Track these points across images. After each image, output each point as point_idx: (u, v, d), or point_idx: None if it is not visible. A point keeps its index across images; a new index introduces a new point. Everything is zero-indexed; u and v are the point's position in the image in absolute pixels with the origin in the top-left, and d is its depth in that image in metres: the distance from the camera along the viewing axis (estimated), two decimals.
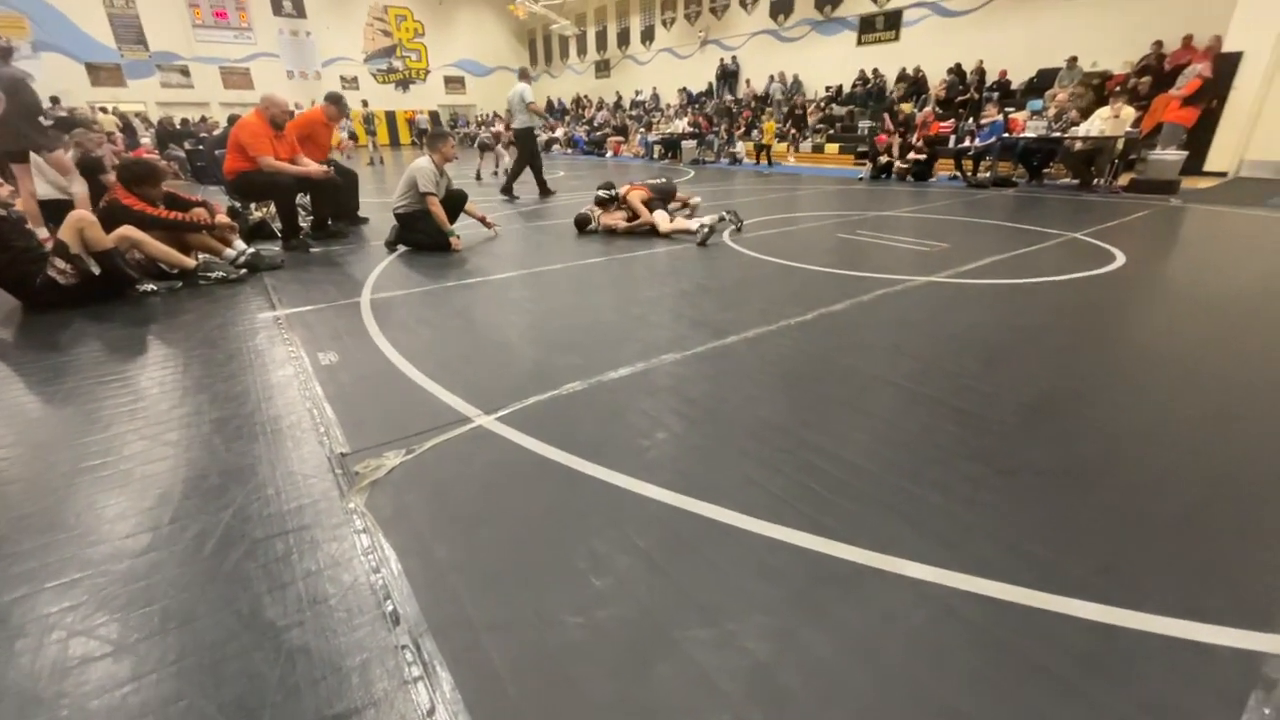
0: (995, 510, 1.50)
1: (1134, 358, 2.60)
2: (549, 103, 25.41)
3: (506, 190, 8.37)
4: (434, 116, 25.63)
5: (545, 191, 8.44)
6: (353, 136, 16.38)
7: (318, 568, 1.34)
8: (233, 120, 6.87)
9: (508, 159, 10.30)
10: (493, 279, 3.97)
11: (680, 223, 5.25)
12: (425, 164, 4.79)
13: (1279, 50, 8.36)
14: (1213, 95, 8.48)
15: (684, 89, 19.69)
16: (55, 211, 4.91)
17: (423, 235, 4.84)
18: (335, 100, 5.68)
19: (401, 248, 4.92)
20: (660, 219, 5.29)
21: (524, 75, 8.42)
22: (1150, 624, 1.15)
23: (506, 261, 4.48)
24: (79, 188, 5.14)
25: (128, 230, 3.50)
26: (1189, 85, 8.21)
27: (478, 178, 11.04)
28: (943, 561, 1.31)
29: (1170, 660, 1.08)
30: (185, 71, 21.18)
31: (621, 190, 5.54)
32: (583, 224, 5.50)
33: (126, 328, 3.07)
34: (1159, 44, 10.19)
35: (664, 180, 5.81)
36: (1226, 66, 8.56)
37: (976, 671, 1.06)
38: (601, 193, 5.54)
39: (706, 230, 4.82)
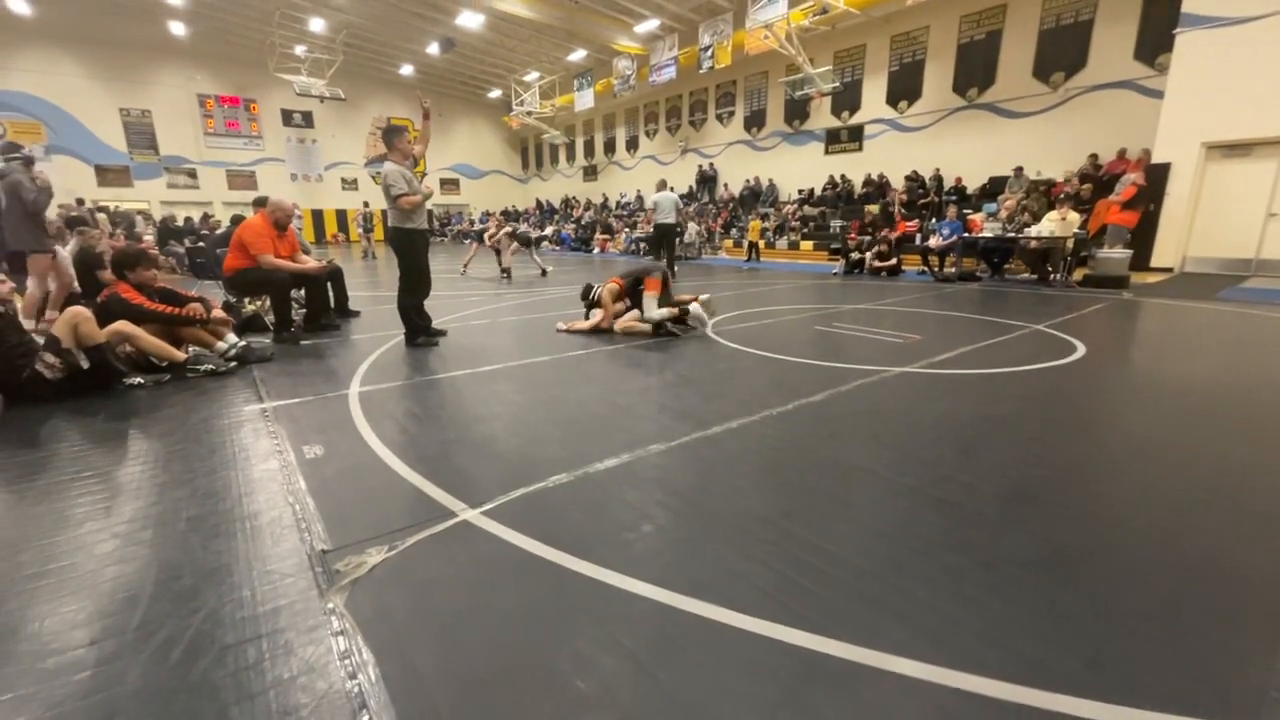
0: (980, 603, 1.50)
1: (1102, 445, 2.69)
2: (539, 203, 26.88)
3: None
4: (429, 213, 26.87)
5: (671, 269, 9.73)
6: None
7: (291, 675, 1.28)
8: (236, 220, 7.17)
9: (506, 257, 10.86)
10: (480, 371, 4.04)
11: (629, 324, 5.15)
12: (390, 168, 4.51)
13: (1202, 161, 9.30)
14: (1149, 200, 9.29)
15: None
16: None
17: (409, 251, 4.67)
18: (262, 204, 5.41)
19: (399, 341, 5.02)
20: (620, 319, 5.18)
21: (662, 188, 10.54)
22: (1141, 719, 1.14)
23: (494, 354, 4.58)
24: (35, 290, 5.12)
25: (122, 325, 3.56)
26: (1125, 192, 9.01)
27: (463, 271, 11.44)
28: (930, 657, 1.30)
29: None
30: (192, 174, 22.28)
31: (605, 288, 5.48)
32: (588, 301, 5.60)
33: (109, 422, 3.05)
34: (1094, 156, 11.30)
35: (638, 268, 5.43)
36: (1158, 174, 9.45)
37: None
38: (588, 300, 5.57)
39: (658, 321, 4.90)
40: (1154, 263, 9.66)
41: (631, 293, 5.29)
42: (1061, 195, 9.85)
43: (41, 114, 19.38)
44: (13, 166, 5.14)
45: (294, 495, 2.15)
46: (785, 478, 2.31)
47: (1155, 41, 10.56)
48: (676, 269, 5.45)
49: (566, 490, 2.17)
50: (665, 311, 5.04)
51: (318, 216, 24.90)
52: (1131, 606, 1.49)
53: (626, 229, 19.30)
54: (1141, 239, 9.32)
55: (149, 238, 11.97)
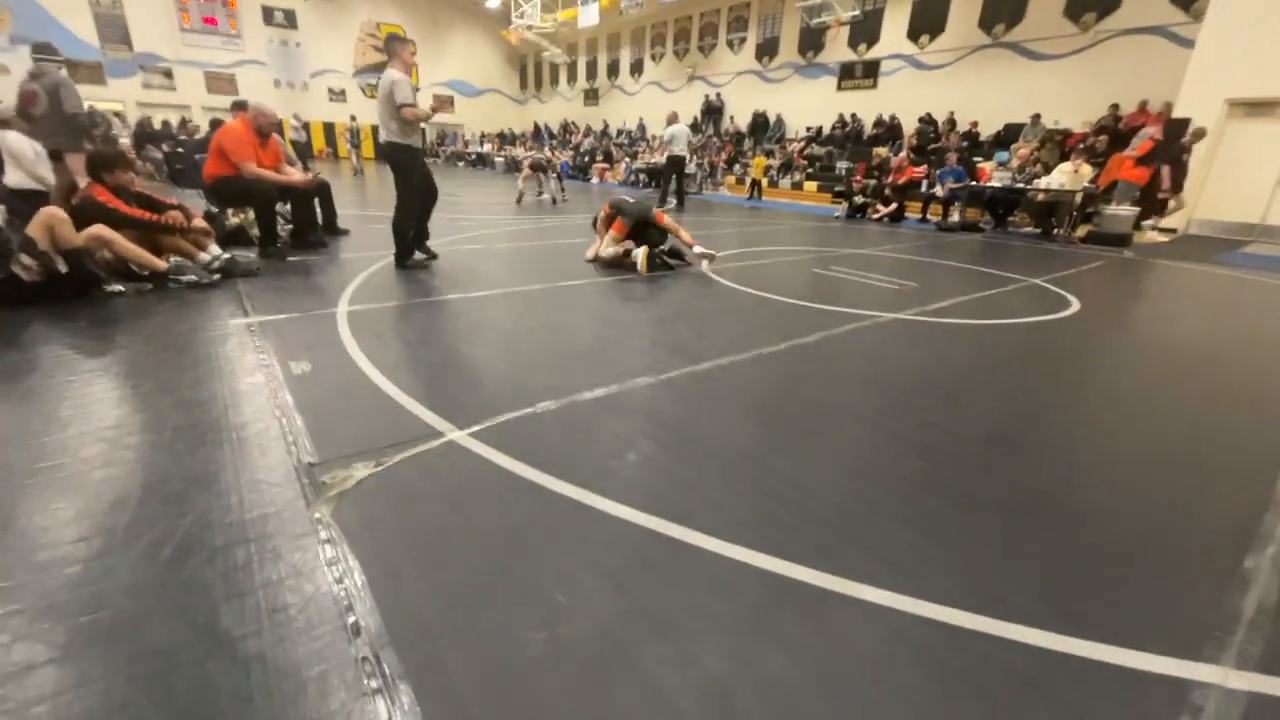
0: (949, 541, 1.56)
1: (1083, 398, 2.74)
2: (536, 127, 25.76)
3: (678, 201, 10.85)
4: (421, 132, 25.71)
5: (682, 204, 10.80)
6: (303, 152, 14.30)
7: (279, 577, 1.32)
8: (215, 125, 6.82)
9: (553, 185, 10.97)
10: (471, 296, 3.98)
11: (607, 250, 5.00)
12: (399, 75, 4.25)
13: (1223, 119, 8.99)
14: (1164, 157, 9.04)
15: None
16: (30, 201, 4.82)
17: (408, 167, 4.50)
18: (242, 106, 5.13)
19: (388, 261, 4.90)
20: (604, 242, 5.06)
21: (673, 120, 10.68)
22: (1088, 650, 1.20)
23: (487, 279, 4.50)
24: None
25: (99, 229, 3.44)
26: (1141, 146, 8.74)
27: (518, 201, 10.70)
28: (899, 588, 1.36)
29: (1105, 686, 1.13)
30: (168, 74, 20.97)
31: (600, 217, 5.37)
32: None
33: (91, 328, 3.00)
34: (1115, 107, 10.88)
35: (633, 199, 5.19)
36: (1176, 131, 9.15)
37: (926, 694, 1.10)
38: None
39: (642, 260, 4.74)
40: (1162, 223, 9.52)
41: (633, 231, 5.08)
42: (1079, 145, 9.54)
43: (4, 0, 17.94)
44: (50, 68, 4.97)
45: (280, 409, 2.15)
46: (771, 415, 2.34)
47: None
48: (685, 202, 5.20)
49: (554, 416, 2.19)
50: (613, 250, 4.92)
51: (304, 131, 23.74)
52: (1091, 548, 1.55)
53: (627, 158, 18.62)
54: (1150, 198, 9.14)
55: (125, 141, 11.39)
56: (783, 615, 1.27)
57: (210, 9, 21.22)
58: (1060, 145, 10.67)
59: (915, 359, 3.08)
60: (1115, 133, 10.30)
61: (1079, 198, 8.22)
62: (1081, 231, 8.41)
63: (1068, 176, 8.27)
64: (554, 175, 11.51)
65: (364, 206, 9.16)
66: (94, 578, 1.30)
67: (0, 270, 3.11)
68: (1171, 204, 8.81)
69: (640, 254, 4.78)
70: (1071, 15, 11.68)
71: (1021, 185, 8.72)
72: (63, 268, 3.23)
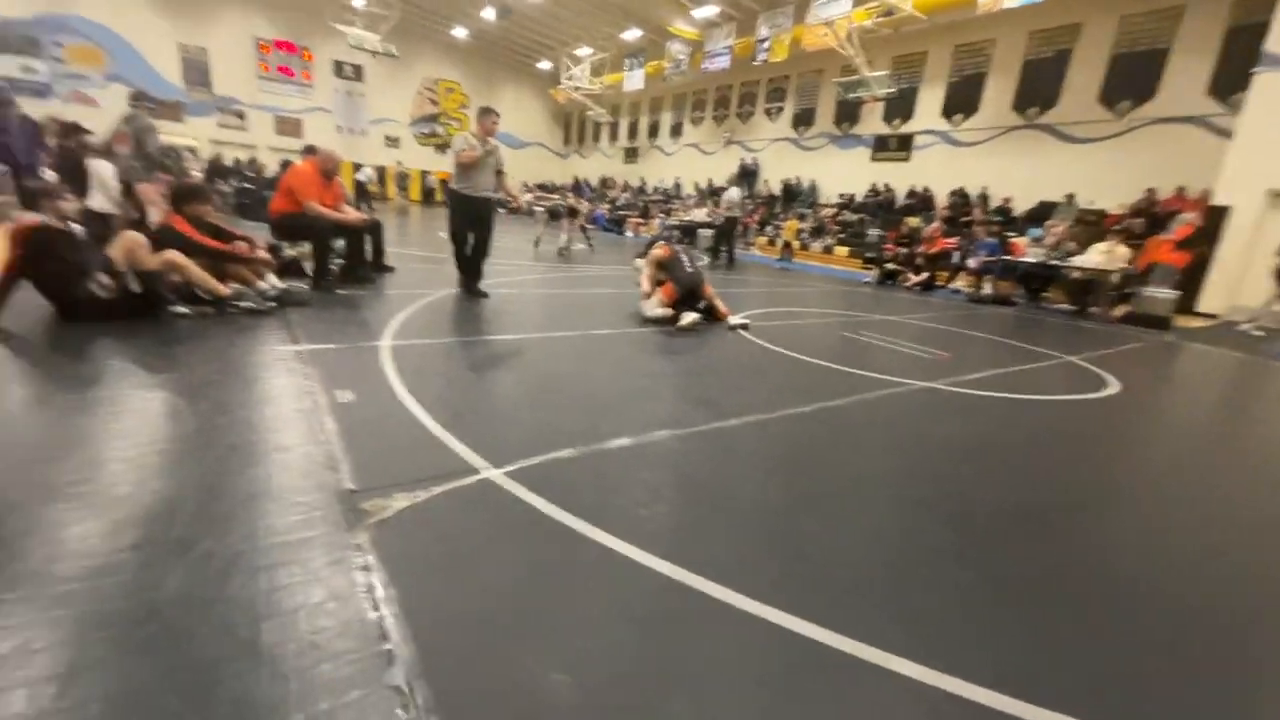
0: (985, 617, 1.53)
1: (1127, 483, 2.67)
2: (576, 180, 26.83)
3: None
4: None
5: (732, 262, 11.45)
6: (361, 193, 15.16)
7: (319, 600, 1.36)
8: (285, 165, 7.30)
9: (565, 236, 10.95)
10: (509, 339, 4.11)
11: (654, 310, 5.03)
12: (467, 134, 5.23)
13: (1264, 207, 8.95)
14: (1203, 242, 8.99)
15: (708, 181, 20.86)
16: (107, 223, 5.25)
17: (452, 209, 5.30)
18: (312, 151, 5.85)
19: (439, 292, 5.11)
20: (650, 301, 5.13)
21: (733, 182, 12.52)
22: None
23: (522, 323, 4.65)
24: (155, 215, 5.40)
25: (173, 255, 3.68)
26: (1180, 231, 8.72)
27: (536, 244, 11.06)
28: (929, 661, 1.33)
29: None
30: (242, 115, 22.60)
31: (656, 250, 5.46)
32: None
33: (156, 347, 3.18)
34: (1152, 191, 10.93)
35: (691, 268, 5.29)
36: (1216, 217, 9.13)
37: None
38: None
39: (687, 323, 4.83)
40: (1200, 307, 9.36)
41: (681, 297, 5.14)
42: (1114, 227, 9.56)
43: (102, 40, 19.77)
44: (140, 113, 5.61)
45: (325, 435, 2.24)
46: (800, 476, 2.34)
47: (1232, 78, 10.13)
48: (690, 269, 5.17)
49: (585, 461, 2.23)
50: (661, 312, 4.99)
51: (357, 169, 25.18)
52: (1134, 638, 1.50)
53: (661, 214, 19.20)
54: (1189, 281, 9.04)
55: (197, 174, 12.22)
56: (809, 680, 1.25)
57: (287, 60, 23.03)
58: (1095, 225, 10.70)
59: (947, 429, 3.05)
60: (1152, 216, 10.31)
61: (1116, 278, 8.17)
62: (1119, 311, 8.32)
63: (1103, 256, 8.26)
64: (578, 224, 11.48)
65: (406, 245, 9.59)
66: (145, 587, 1.36)
67: (79, 288, 3.34)
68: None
69: (689, 319, 4.87)
70: (1107, 102, 11.94)
71: (1056, 262, 8.72)
72: (136, 288, 3.46)
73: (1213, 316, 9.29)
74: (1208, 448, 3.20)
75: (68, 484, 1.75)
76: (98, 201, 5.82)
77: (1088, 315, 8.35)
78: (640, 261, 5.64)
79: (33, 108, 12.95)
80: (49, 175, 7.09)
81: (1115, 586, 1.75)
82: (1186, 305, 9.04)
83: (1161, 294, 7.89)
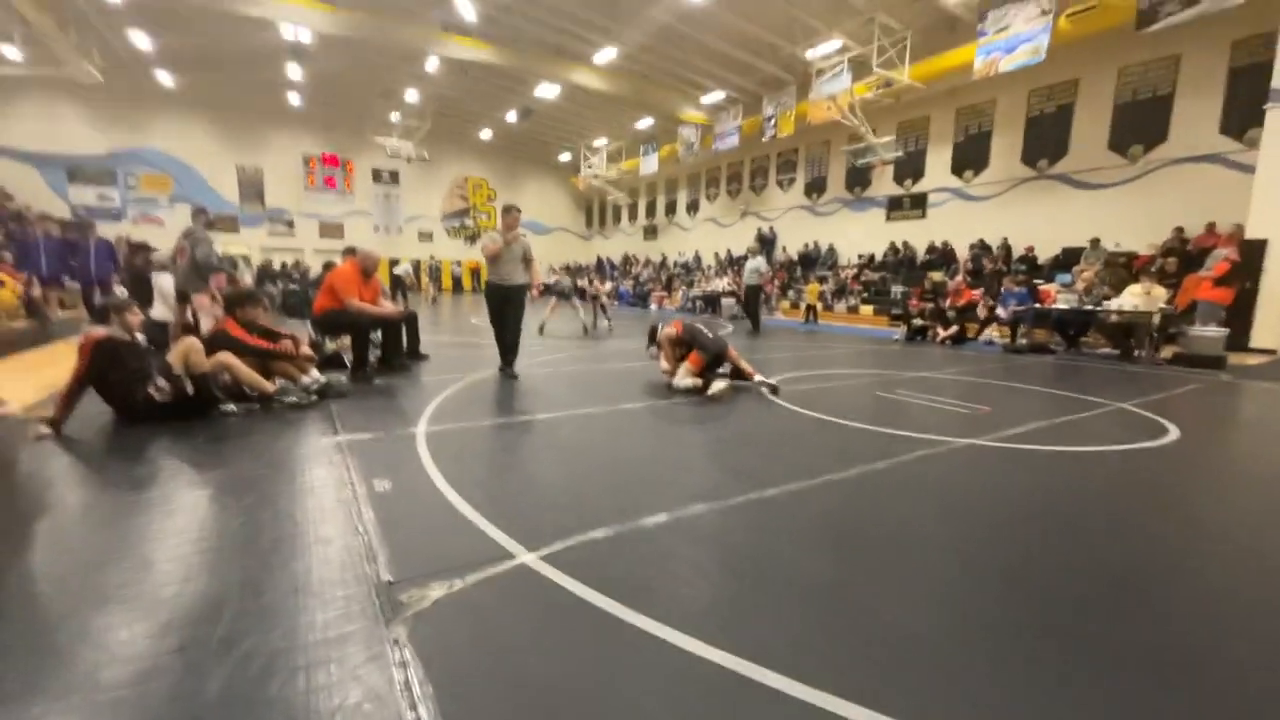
0: (1067, 695, 1.39)
1: (1204, 537, 2.47)
2: (599, 260, 27.87)
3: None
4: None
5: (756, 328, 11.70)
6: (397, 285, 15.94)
7: (356, 700, 1.33)
8: (328, 267, 7.81)
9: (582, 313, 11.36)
10: (540, 418, 4.15)
11: (683, 381, 5.08)
12: (491, 233, 5.60)
13: None
14: (1244, 277, 8.72)
15: (726, 251, 21.41)
16: (165, 331, 5.68)
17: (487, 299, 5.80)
18: (352, 252, 6.29)
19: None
20: (679, 372, 5.17)
21: (756, 253, 12.35)
22: None
23: (553, 402, 4.70)
24: (206, 322, 5.76)
25: (225, 356, 3.91)
26: (1218, 267, 8.49)
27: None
28: None
29: None
30: (290, 223, 24.51)
31: (664, 329, 5.53)
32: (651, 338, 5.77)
33: (206, 444, 3.31)
34: (1180, 229, 10.78)
35: (711, 334, 5.27)
36: (1254, 251, 8.89)
37: None
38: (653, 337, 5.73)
39: (719, 391, 4.82)
40: (1253, 343, 8.95)
41: (708, 365, 5.20)
42: (1147, 268, 9.38)
43: (170, 169, 22.03)
44: (198, 227, 6.07)
45: (363, 525, 2.26)
46: (847, 545, 2.23)
47: (1243, 116, 10.19)
48: (708, 334, 5.21)
49: (623, 541, 2.18)
50: (690, 382, 5.02)
51: (394, 265, 26.65)
52: (1233, 713, 1.34)
53: (684, 286, 19.66)
54: (1238, 318, 8.70)
55: (248, 279, 13.14)
56: None
57: (332, 172, 25.15)
58: (1125, 267, 10.52)
59: (998, 487, 2.91)
60: (1184, 254, 10.11)
61: (1157, 319, 7.92)
62: (1167, 353, 8.00)
63: (1140, 298, 8.06)
64: (598, 304, 11.81)
65: (439, 333, 9.95)
66: (188, 691, 1.35)
67: (139, 392, 3.55)
68: None
69: (720, 386, 4.87)
70: (1117, 148, 12.05)
71: (1090, 307, 8.53)
72: (190, 390, 3.65)
73: (1270, 352, 8.85)
74: None
75: (118, 587, 1.79)
76: (159, 311, 6.31)
77: (1133, 359, 8.05)
78: (653, 349, 5.71)
79: (106, 229, 14.34)
80: (120, 291, 7.74)
81: (1212, 658, 1.58)
82: (1240, 342, 8.66)
83: (1210, 333, 7.59)
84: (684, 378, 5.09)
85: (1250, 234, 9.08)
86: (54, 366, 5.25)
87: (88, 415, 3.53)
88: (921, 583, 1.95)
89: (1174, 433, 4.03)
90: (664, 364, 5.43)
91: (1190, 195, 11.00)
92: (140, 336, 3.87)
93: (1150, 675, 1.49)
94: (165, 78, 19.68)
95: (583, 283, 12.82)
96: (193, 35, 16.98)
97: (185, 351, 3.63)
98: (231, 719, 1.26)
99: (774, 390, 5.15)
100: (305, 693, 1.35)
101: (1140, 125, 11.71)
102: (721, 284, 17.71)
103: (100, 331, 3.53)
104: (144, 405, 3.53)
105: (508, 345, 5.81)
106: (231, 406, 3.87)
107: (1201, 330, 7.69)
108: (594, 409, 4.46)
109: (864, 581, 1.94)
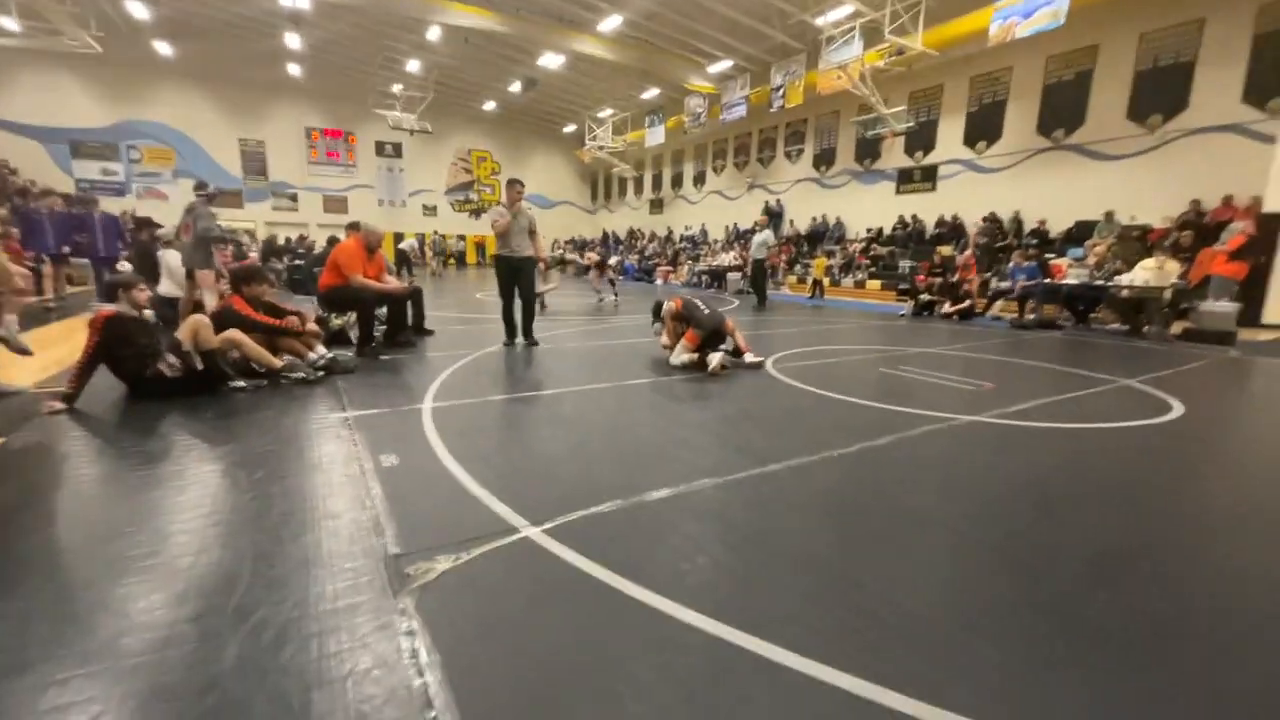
0: (1063, 671, 1.43)
1: (1202, 513, 2.48)
2: (605, 234, 27.64)
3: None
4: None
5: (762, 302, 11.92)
6: (403, 261, 16.64)
7: (366, 667, 1.38)
8: (332, 242, 7.80)
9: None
10: (544, 394, 4.18)
11: (680, 357, 5.11)
12: (496, 208, 5.82)
13: None
14: (1260, 251, 8.56)
15: (733, 225, 21.18)
16: (173, 307, 5.74)
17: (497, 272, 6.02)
18: (356, 226, 6.15)
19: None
20: (676, 349, 5.20)
21: (764, 226, 12.47)
22: None
23: (557, 378, 4.73)
24: (209, 299, 5.76)
25: (233, 333, 3.94)
26: (1233, 241, 8.33)
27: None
28: None
29: None
30: (294, 197, 24.38)
31: (667, 305, 5.55)
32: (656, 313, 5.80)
33: (216, 420, 3.37)
34: (1197, 202, 10.55)
35: (708, 310, 5.29)
36: (1271, 225, 8.71)
37: None
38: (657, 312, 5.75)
39: (716, 365, 4.83)
40: (1266, 319, 8.83)
41: (705, 340, 5.18)
42: (1161, 242, 9.21)
43: (173, 142, 21.87)
44: (199, 201, 6.02)
45: (371, 500, 2.31)
46: (847, 521, 2.27)
47: (1266, 83, 9.87)
48: (706, 310, 5.17)
49: (625, 515, 2.22)
50: (687, 358, 5.05)
51: (399, 239, 26.57)
52: (1231, 694, 1.37)
53: (690, 261, 19.51)
54: (1251, 293, 8.57)
55: (254, 254, 13.14)
56: None
57: (334, 145, 24.90)
58: (1140, 241, 10.34)
59: (999, 464, 2.93)
60: (1200, 227, 9.91)
61: (1169, 294, 7.82)
62: (1177, 329, 7.92)
63: (1153, 273, 7.94)
64: (606, 277, 11.72)
65: (443, 309, 9.97)
66: (205, 658, 1.40)
67: (149, 369, 3.60)
68: None
69: (716, 361, 4.88)
70: (1136, 118, 11.72)
71: (1101, 282, 8.42)
72: (199, 366, 3.69)
73: None
74: None
75: (136, 558, 1.84)
76: (166, 288, 6.34)
77: (1143, 335, 7.97)
78: (657, 325, 5.76)
79: (110, 205, 14.33)
80: (125, 267, 7.76)
81: (1201, 632, 1.61)
82: (1252, 318, 8.55)
83: (1221, 308, 7.50)
84: (681, 354, 5.10)
85: (1269, 207, 8.88)
86: (66, 343, 5.32)
87: (99, 390, 3.59)
88: (917, 558, 1.98)
89: (1178, 409, 4.02)
90: (665, 339, 5.45)
91: (1209, 166, 10.72)
92: (149, 313, 3.91)
93: (1134, 646, 1.52)
94: (164, 48, 19.41)
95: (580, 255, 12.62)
96: (190, 3, 16.70)
97: (194, 328, 3.67)
98: (247, 684, 1.31)
99: (759, 366, 5.15)
100: (317, 659, 1.40)
101: (1161, 93, 11.36)
102: (728, 258, 17.55)
103: (110, 308, 3.57)
104: (154, 381, 3.58)
105: (525, 314, 6.14)
106: (241, 382, 3.92)
107: (1213, 305, 7.60)
108: (599, 385, 4.49)
109: (860, 556, 1.98)
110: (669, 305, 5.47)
